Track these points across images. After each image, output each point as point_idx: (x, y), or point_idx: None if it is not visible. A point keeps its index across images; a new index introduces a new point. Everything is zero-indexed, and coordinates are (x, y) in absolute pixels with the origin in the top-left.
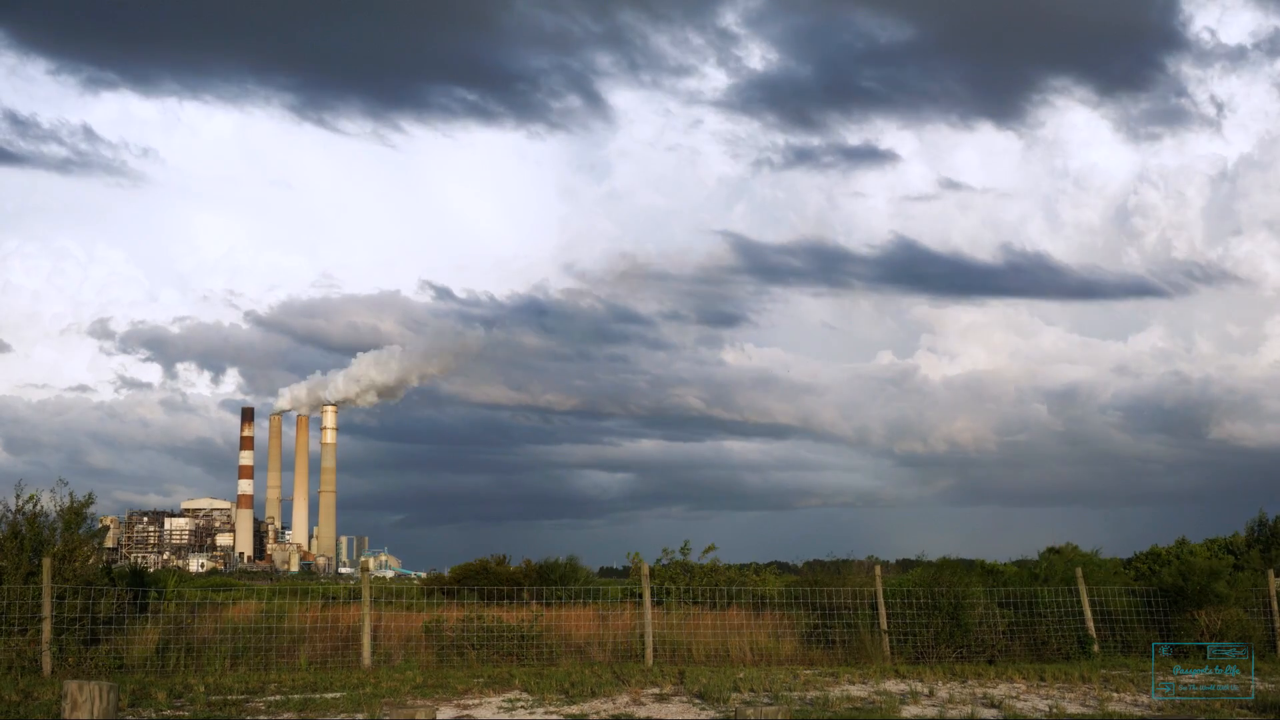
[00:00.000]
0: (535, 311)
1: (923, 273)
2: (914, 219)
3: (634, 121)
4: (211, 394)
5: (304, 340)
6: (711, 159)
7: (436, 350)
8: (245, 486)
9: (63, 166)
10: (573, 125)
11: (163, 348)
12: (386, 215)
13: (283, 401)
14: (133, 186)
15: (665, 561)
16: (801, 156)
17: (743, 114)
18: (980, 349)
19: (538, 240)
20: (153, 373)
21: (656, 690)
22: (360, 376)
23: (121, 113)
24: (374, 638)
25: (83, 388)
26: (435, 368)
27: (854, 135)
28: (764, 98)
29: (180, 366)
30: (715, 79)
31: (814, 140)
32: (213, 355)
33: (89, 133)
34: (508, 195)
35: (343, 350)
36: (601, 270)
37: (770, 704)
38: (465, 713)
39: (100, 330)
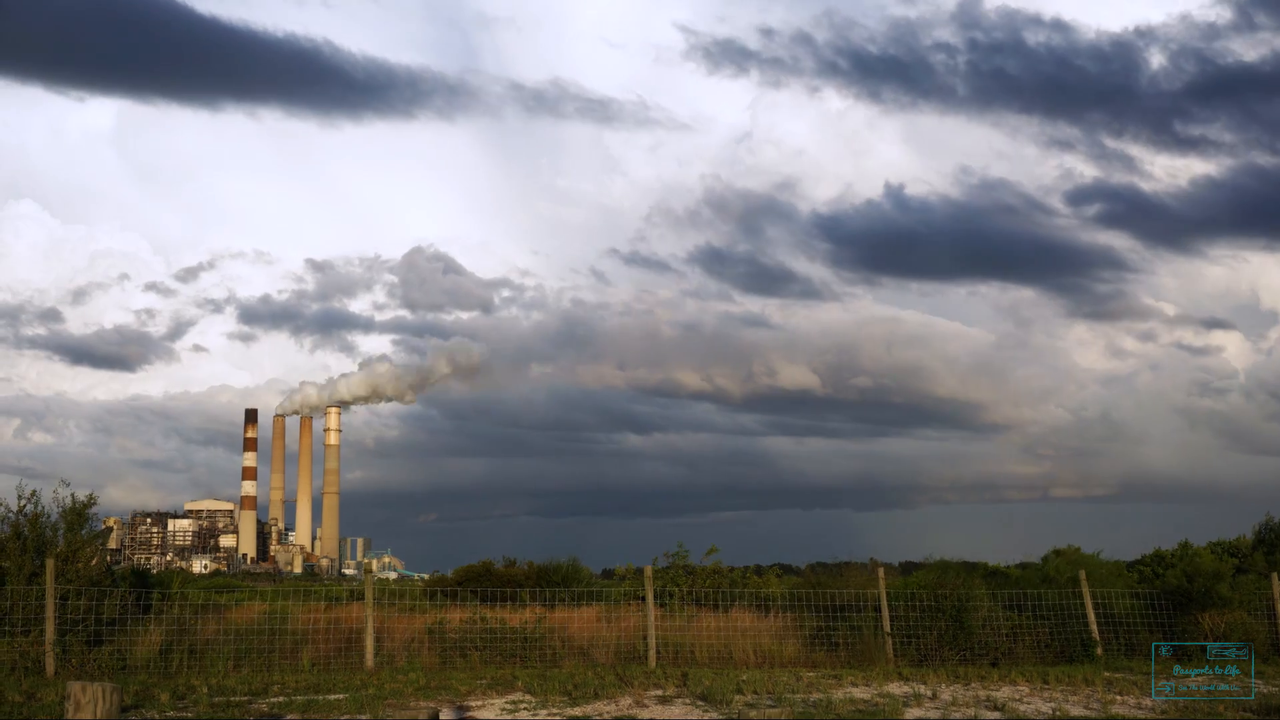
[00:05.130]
0: None
1: None
2: None
3: None
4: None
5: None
6: None
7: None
8: (249, 488)
9: None
10: None
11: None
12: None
13: (288, 403)
14: None
15: (666, 564)
16: None
17: None
18: None
19: None
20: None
21: (659, 692)
22: (369, 377)
23: None
24: (377, 639)
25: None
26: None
27: None
28: None
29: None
30: None
31: None
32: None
33: None
34: None
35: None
36: None
37: (773, 706)
38: (468, 714)
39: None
